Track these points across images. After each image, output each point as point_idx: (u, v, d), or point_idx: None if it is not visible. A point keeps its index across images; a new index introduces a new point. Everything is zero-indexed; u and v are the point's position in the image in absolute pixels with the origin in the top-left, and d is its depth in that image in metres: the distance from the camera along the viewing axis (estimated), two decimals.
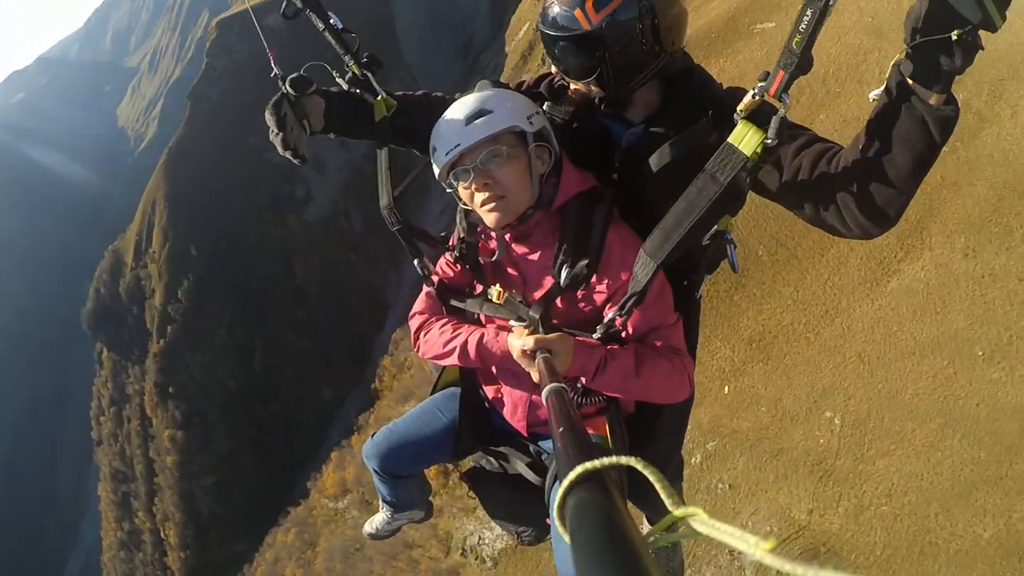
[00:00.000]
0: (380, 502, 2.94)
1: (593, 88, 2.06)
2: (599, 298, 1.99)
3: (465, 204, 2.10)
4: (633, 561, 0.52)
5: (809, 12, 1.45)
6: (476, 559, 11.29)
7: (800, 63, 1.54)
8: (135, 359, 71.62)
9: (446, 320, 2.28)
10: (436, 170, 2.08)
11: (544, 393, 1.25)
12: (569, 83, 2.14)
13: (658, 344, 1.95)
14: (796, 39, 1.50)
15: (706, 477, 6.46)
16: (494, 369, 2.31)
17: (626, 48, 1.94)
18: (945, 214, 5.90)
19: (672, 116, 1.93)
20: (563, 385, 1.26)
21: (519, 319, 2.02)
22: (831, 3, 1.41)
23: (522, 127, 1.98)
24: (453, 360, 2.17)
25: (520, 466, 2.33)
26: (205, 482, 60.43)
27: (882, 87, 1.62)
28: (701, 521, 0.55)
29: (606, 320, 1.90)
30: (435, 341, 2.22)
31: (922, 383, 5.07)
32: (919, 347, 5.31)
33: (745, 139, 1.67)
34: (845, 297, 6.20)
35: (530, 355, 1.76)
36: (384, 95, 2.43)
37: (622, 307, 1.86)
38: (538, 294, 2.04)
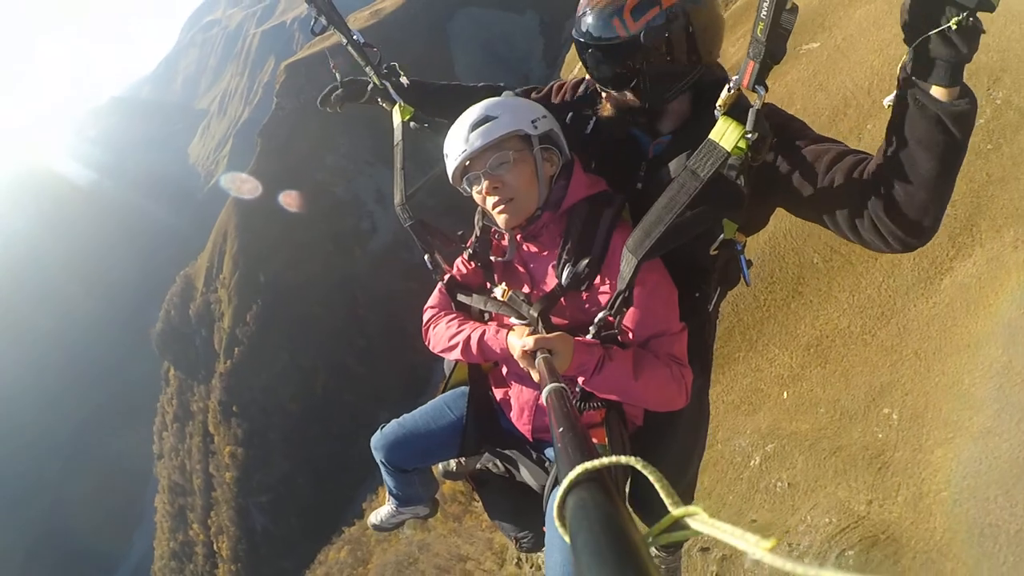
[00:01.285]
0: (387, 495, 2.93)
1: (628, 97, 2.03)
2: (603, 299, 1.98)
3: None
4: (634, 561, 0.51)
5: (765, 6, 1.45)
6: (532, 567, 11.28)
7: (769, 51, 1.51)
8: (201, 378, 74.01)
9: (454, 316, 2.32)
10: (449, 177, 2.16)
11: (544, 392, 1.24)
12: (602, 92, 2.12)
13: (659, 351, 1.93)
14: (759, 27, 1.48)
15: (765, 478, 6.44)
16: (504, 371, 2.35)
17: (663, 58, 1.90)
18: (994, 210, 5.95)
19: (701, 127, 1.79)
20: (563, 385, 1.25)
21: (520, 316, 2.06)
22: None
23: (526, 131, 2.04)
24: (457, 355, 2.20)
25: (525, 473, 2.31)
26: (261, 499, 61.44)
27: (894, 92, 1.58)
28: (701, 520, 0.54)
29: (597, 319, 1.91)
30: (442, 335, 2.26)
31: (978, 373, 5.11)
32: (974, 340, 5.36)
33: (725, 134, 1.65)
34: (900, 298, 6.26)
35: (530, 355, 1.75)
36: (401, 103, 2.65)
37: (611, 305, 1.87)
38: (543, 294, 2.07)
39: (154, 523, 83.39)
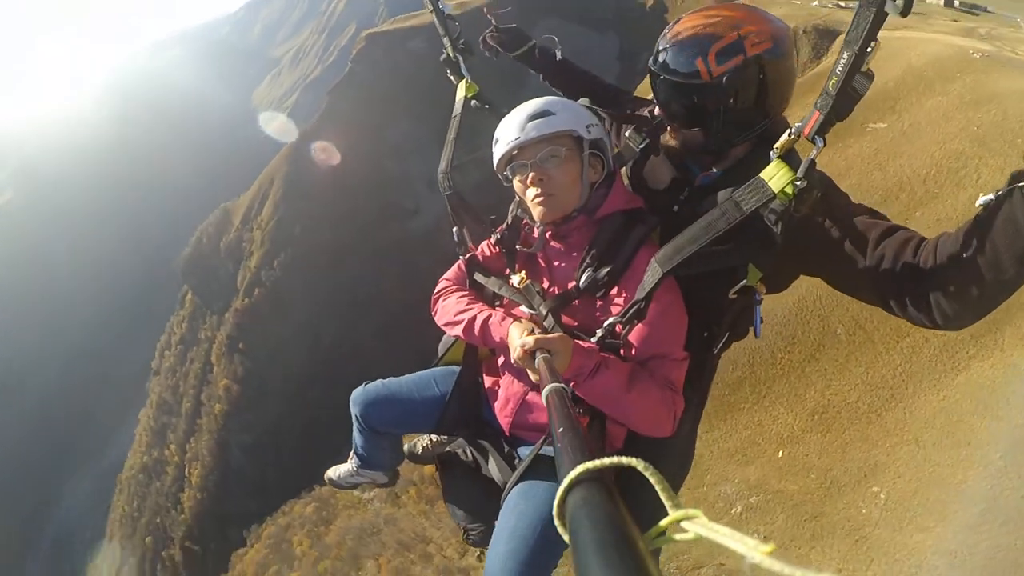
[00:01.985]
0: (352, 453, 2.85)
1: (694, 134, 2.04)
2: (615, 309, 1.95)
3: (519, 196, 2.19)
4: (637, 558, 0.51)
5: (845, 55, 1.45)
6: None
7: (836, 107, 1.52)
8: (215, 309, 74.67)
9: (465, 292, 2.32)
10: (495, 160, 2.16)
11: (545, 392, 1.21)
12: (669, 125, 2.13)
13: (657, 372, 1.89)
14: (832, 81, 1.49)
15: (743, 527, 6.52)
16: (500, 360, 2.33)
17: (738, 104, 1.91)
18: (1021, 319, 6.01)
19: (753, 170, 1.76)
20: (564, 385, 1.23)
21: (531, 307, 2.07)
22: (868, 50, 1.42)
23: (580, 133, 2.06)
24: (459, 332, 2.18)
25: (492, 466, 2.26)
26: (243, 438, 61.96)
27: (992, 194, 1.54)
28: (701, 524, 0.54)
29: (606, 323, 1.89)
30: (450, 308, 2.25)
31: (972, 471, 5.19)
32: (976, 439, 5.43)
33: (776, 177, 1.65)
34: (913, 384, 6.32)
35: (529, 354, 1.72)
36: (468, 79, 2.70)
37: (624, 312, 1.86)
38: (559, 292, 2.08)
39: (134, 434, 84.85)
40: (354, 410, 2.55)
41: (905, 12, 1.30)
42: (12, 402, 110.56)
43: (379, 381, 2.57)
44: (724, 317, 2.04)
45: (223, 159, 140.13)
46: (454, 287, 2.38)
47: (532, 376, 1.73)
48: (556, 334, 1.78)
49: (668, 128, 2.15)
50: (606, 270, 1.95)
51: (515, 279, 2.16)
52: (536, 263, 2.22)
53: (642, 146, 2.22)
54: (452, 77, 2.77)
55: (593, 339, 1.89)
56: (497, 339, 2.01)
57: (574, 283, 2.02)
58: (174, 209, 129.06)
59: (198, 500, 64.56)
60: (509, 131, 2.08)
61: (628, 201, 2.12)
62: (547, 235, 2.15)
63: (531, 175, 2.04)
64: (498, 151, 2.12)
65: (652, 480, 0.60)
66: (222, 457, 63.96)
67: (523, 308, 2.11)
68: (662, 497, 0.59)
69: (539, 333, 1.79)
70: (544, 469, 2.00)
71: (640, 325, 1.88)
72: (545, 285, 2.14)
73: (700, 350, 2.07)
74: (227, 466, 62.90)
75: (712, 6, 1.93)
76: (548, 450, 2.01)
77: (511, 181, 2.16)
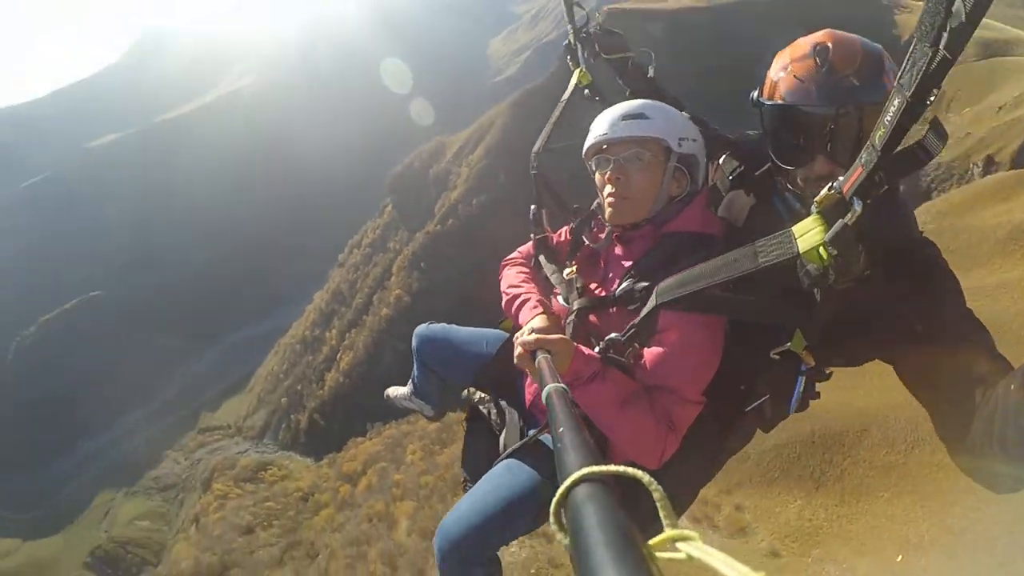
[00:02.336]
0: (410, 378, 2.95)
1: (821, 167, 1.78)
2: None
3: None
4: (645, 564, 0.51)
5: (896, 102, 1.21)
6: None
7: (881, 163, 1.27)
8: (409, 226, 79.46)
9: (525, 269, 2.34)
10: (583, 149, 2.13)
11: (545, 392, 1.14)
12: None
13: (658, 403, 1.76)
14: (879, 133, 1.26)
15: None
16: None
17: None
18: None
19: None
20: (564, 385, 1.17)
21: (566, 301, 2.06)
22: (930, 100, 1.18)
23: (670, 144, 1.99)
24: (504, 304, 2.22)
25: (506, 432, 2.31)
26: (399, 345, 65.03)
27: None
28: (695, 545, 0.52)
29: (608, 338, 1.82)
30: (506, 281, 2.30)
31: None
32: None
33: (807, 234, 1.43)
34: None
35: (529, 352, 1.66)
36: (583, 68, 2.62)
37: (624, 332, 1.80)
38: (602, 293, 2.03)
39: (304, 310, 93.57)
40: (413, 341, 2.67)
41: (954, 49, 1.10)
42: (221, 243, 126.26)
43: (443, 324, 2.69)
44: (761, 376, 1.91)
45: (452, 96, 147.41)
46: (520, 261, 2.42)
47: (532, 375, 1.67)
48: (557, 335, 1.72)
49: (789, 171, 1.86)
50: (644, 285, 1.85)
51: (567, 270, 2.17)
52: (595, 261, 2.19)
53: (734, 175, 2.11)
54: (571, 63, 2.72)
55: (596, 348, 1.83)
56: (521, 324, 1.97)
57: (615, 289, 1.96)
58: (399, 127, 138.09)
59: (339, 383, 70.64)
60: (601, 124, 2.06)
61: (703, 224, 2.03)
62: (614, 236, 2.13)
63: (611, 172, 2.02)
64: (588, 141, 2.09)
65: (655, 495, 0.58)
66: (374, 354, 68.95)
67: (560, 300, 2.12)
68: (661, 513, 0.57)
69: (544, 333, 1.72)
70: (537, 454, 2.04)
71: (652, 350, 1.81)
72: (594, 284, 2.10)
73: (729, 402, 1.94)
74: (376, 363, 67.56)
75: (819, 34, 1.79)
76: (547, 437, 2.04)
77: (595, 173, 2.12)
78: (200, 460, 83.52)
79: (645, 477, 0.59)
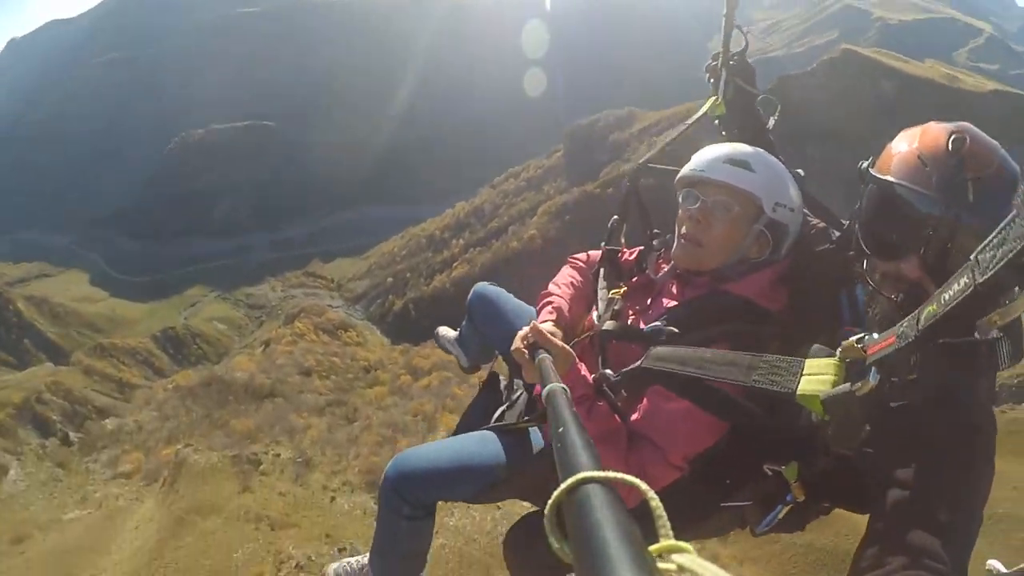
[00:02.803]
0: (461, 325, 3.06)
1: (909, 270, 1.59)
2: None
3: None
4: (652, 563, 0.50)
5: (963, 281, 1.01)
6: None
7: (916, 345, 1.10)
8: (571, 179, 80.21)
9: (576, 276, 2.31)
10: (677, 176, 2.04)
11: (545, 392, 1.12)
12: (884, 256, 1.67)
13: (634, 450, 1.70)
14: (930, 308, 1.09)
15: None
16: None
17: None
18: None
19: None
20: (565, 386, 1.12)
21: (597, 319, 2.01)
22: (1010, 300, 0.99)
23: (764, 205, 1.87)
24: (538, 297, 2.24)
25: (506, 411, 2.34)
26: (510, 283, 67.43)
27: (1003, 567, 1.40)
28: (690, 558, 0.52)
29: (598, 372, 1.78)
30: (556, 278, 2.31)
31: None
32: None
33: (816, 376, 1.26)
34: None
35: (528, 347, 1.65)
36: (720, 99, 2.45)
37: (618, 374, 1.73)
38: (637, 324, 1.94)
39: (442, 210, 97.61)
40: (471, 294, 2.73)
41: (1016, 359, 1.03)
42: None
43: (500, 289, 2.73)
44: (748, 483, 1.83)
45: (658, 75, 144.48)
46: (579, 264, 2.39)
47: (527, 373, 1.70)
48: (560, 343, 1.69)
49: (870, 264, 1.72)
50: (673, 333, 1.76)
51: (613, 290, 2.10)
52: (648, 290, 2.12)
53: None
54: (711, 85, 2.52)
55: (591, 377, 1.79)
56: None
57: (646, 327, 1.85)
58: (601, 79, 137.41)
59: (444, 288, 73.52)
60: (702, 158, 1.96)
61: (764, 295, 1.85)
62: (675, 272, 2.06)
63: (694, 211, 1.92)
64: (684, 169, 2.00)
65: (651, 504, 0.58)
66: (485, 278, 68.69)
67: (594, 316, 2.07)
68: (657, 524, 0.56)
69: (548, 335, 1.68)
70: (515, 441, 2.11)
71: (650, 400, 1.73)
72: (633, 313, 2.04)
73: (710, 489, 1.84)
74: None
75: (959, 124, 1.56)
76: (536, 435, 2.13)
77: (680, 204, 2.02)
78: (294, 297, 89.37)
79: (642, 485, 0.59)
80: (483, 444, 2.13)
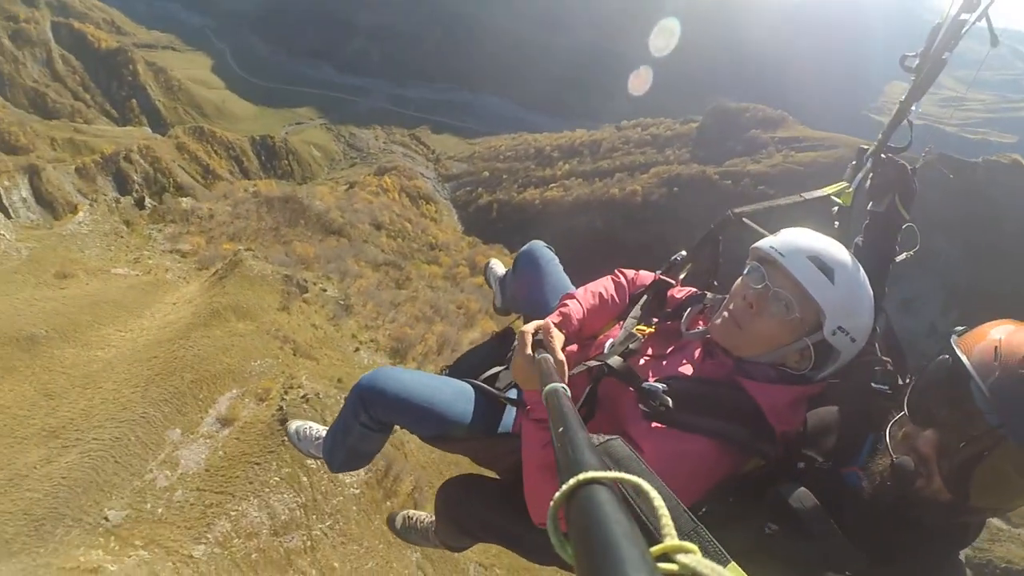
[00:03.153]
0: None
1: (931, 451, 1.43)
2: (630, 424, 1.73)
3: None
4: (647, 564, 0.49)
5: None
6: None
7: None
8: (695, 156, 78.17)
9: (610, 292, 2.24)
10: (755, 243, 1.88)
11: (545, 391, 1.09)
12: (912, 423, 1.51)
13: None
14: None
15: None
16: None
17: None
18: None
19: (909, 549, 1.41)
20: (564, 386, 1.10)
21: (609, 347, 1.95)
22: None
23: (824, 322, 1.69)
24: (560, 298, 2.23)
25: (503, 373, 2.35)
26: (597, 226, 66.41)
27: None
28: (695, 560, 0.51)
29: (577, 405, 1.68)
30: (591, 284, 2.26)
31: None
32: None
33: None
34: None
35: (532, 343, 1.61)
36: (849, 187, 2.33)
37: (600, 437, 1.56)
38: (644, 373, 1.84)
39: (559, 130, 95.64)
40: (525, 248, 2.80)
41: None
42: None
43: (552, 256, 2.75)
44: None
45: (824, 98, 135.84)
46: (621, 281, 2.29)
47: (517, 365, 1.65)
48: (562, 357, 1.61)
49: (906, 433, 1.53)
50: (665, 406, 1.66)
51: (641, 325, 2.03)
52: (670, 340, 2.00)
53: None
54: (850, 168, 2.38)
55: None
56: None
57: (648, 381, 1.76)
58: (764, 72, 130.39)
59: (532, 204, 73.18)
60: (788, 241, 1.78)
61: (774, 411, 1.69)
62: (706, 336, 1.91)
63: (750, 292, 1.76)
64: (764, 241, 1.83)
65: (655, 504, 0.57)
66: (573, 212, 70.28)
67: (608, 343, 1.99)
68: (662, 522, 0.56)
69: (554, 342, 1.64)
70: (489, 405, 2.21)
71: (651, 442, 1.67)
72: (648, 356, 1.95)
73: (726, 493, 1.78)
74: (569, 220, 68.42)
75: None
76: (509, 419, 2.22)
77: (744, 272, 1.86)
78: (392, 153, 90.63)
79: (645, 484, 0.59)
80: (457, 398, 2.18)
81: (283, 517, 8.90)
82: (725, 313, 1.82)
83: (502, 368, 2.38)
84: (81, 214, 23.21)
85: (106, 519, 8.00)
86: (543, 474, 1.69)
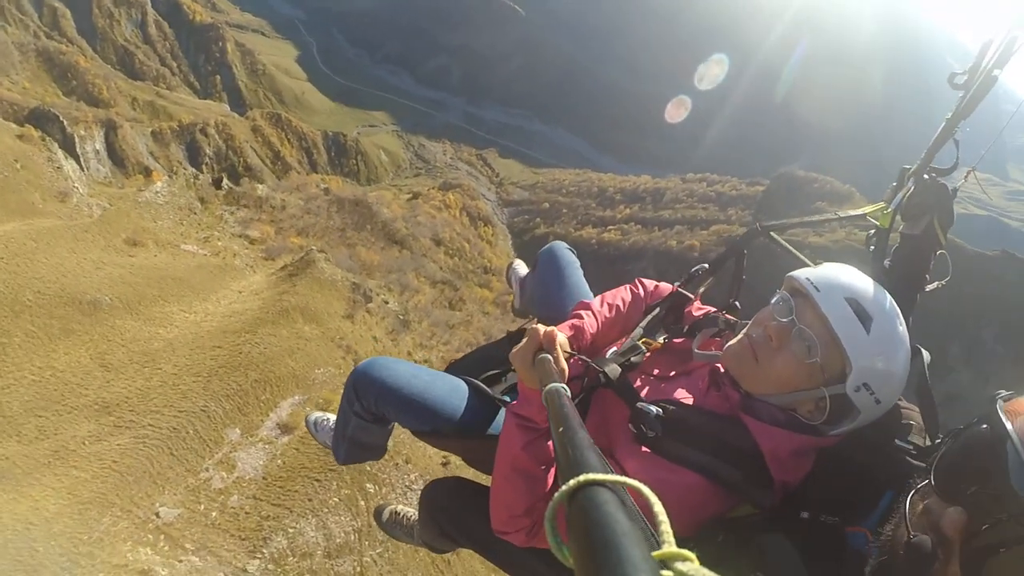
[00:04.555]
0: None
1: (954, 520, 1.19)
2: (617, 445, 1.64)
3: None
4: (649, 569, 0.48)
5: None
6: None
7: None
8: (758, 217, 76.67)
9: (625, 300, 2.12)
10: (792, 272, 1.64)
11: (545, 391, 1.06)
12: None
13: (546, 504, 1.39)
14: None
15: None
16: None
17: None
18: None
19: None
20: (564, 386, 1.07)
21: (612, 356, 1.83)
22: None
23: (848, 376, 1.46)
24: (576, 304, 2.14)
25: (509, 375, 2.27)
26: (648, 273, 66.24)
27: None
28: (694, 568, 0.50)
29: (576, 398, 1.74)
30: (608, 294, 2.14)
31: None
32: None
33: None
34: None
35: (539, 342, 1.47)
36: (889, 209, 2.11)
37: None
38: (641, 391, 1.73)
39: (636, 169, 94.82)
40: (546, 248, 2.79)
41: None
42: None
43: (573, 260, 2.72)
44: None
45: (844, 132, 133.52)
46: (639, 293, 2.15)
47: (526, 361, 1.51)
48: (564, 366, 1.48)
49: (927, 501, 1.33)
50: (656, 435, 1.55)
51: (651, 338, 1.90)
52: (679, 361, 1.85)
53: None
54: (890, 189, 2.20)
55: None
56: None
57: (643, 403, 1.62)
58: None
59: (589, 248, 72.13)
60: (827, 277, 1.55)
61: (776, 458, 1.51)
62: (715, 365, 1.74)
63: (772, 326, 1.56)
64: (801, 272, 1.60)
65: (655, 509, 0.56)
66: (618, 257, 70.75)
67: (611, 351, 1.88)
68: (661, 528, 0.54)
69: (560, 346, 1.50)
70: (483, 406, 2.13)
71: (637, 461, 1.60)
72: (650, 373, 1.82)
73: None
74: (616, 263, 68.80)
75: None
76: (499, 420, 2.11)
77: (771, 301, 1.64)
78: (458, 170, 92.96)
79: (645, 489, 0.59)
80: (451, 394, 2.13)
81: (338, 540, 8.52)
82: (744, 339, 1.63)
83: (509, 370, 2.27)
84: (159, 184, 23.26)
85: (157, 515, 7.63)
86: (516, 478, 1.58)
